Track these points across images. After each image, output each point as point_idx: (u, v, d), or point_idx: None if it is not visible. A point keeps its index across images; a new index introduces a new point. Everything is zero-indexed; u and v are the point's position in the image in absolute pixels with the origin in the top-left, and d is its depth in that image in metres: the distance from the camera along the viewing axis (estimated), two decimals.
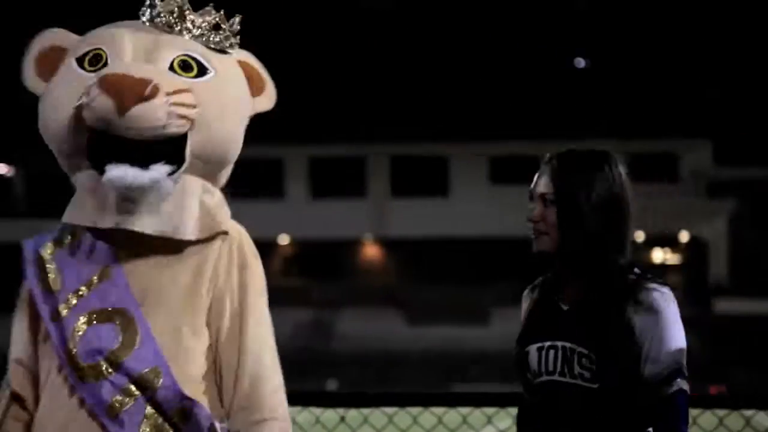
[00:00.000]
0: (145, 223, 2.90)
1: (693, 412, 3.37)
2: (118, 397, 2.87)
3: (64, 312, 2.92)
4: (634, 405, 3.16)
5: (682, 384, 3.14)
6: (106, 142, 2.84)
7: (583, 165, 3.24)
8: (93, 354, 2.88)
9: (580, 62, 40.56)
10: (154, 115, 2.82)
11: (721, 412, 4.50)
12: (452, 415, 4.62)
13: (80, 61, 2.97)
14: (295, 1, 35.88)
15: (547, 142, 37.93)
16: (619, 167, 3.25)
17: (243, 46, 3.11)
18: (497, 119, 37.79)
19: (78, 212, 2.94)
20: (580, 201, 3.18)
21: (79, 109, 2.86)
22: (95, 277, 2.94)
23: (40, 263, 3.00)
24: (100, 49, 2.96)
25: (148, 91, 2.80)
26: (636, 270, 3.21)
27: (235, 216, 3.06)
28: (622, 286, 3.17)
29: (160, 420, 2.89)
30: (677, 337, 3.16)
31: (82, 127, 2.87)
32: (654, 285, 3.19)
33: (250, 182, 37.36)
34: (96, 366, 2.88)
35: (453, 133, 38.05)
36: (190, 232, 2.94)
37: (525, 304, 3.37)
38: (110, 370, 2.88)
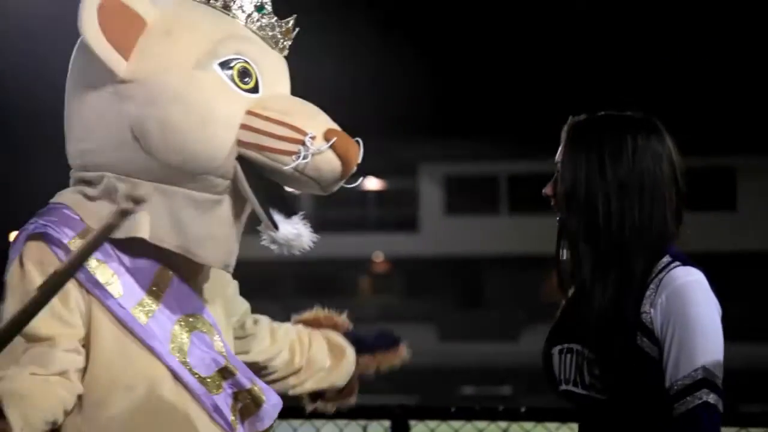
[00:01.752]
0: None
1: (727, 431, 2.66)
2: (234, 411, 2.70)
3: (143, 317, 2.60)
4: (651, 422, 2.54)
5: (708, 396, 2.47)
6: (253, 173, 2.58)
7: (603, 132, 2.61)
8: (208, 364, 2.66)
9: None
10: None
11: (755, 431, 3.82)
12: None
13: (226, 69, 2.60)
14: None
15: None
16: (658, 140, 2.61)
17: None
18: None
19: (184, 238, 2.58)
20: (589, 178, 2.59)
21: (244, 142, 2.55)
22: (156, 283, 2.65)
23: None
24: (248, 63, 2.63)
25: (360, 158, 2.61)
26: (667, 257, 2.58)
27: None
28: (638, 285, 2.55)
29: None
30: (707, 335, 2.50)
31: (233, 153, 2.56)
32: (681, 270, 2.53)
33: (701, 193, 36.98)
34: (214, 378, 2.66)
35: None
36: None
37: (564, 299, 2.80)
38: (222, 383, 2.67)
